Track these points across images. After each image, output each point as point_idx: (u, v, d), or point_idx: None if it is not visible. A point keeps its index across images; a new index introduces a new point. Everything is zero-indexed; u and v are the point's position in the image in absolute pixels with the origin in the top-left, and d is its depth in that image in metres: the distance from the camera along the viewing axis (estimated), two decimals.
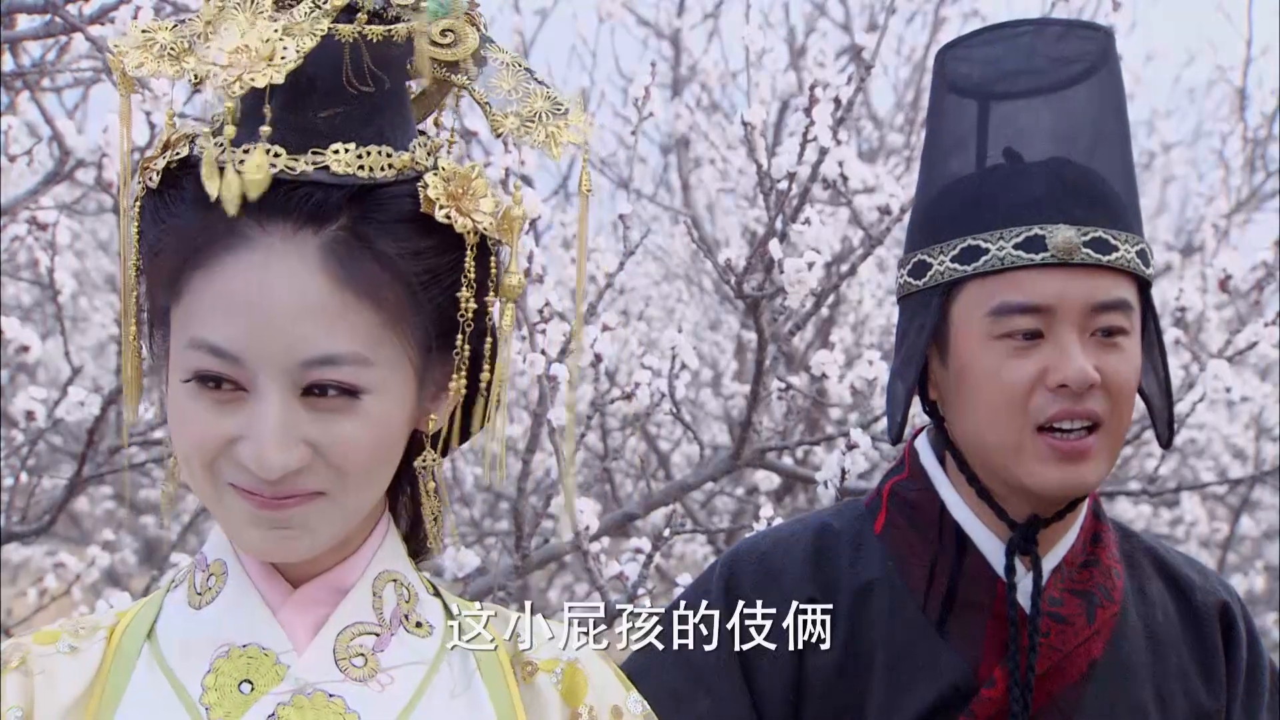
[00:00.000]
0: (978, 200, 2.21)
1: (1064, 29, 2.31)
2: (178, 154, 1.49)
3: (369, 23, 1.46)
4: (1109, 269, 2.15)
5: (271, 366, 1.45)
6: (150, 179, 1.50)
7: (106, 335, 6.76)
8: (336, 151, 1.46)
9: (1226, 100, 8.93)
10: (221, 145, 1.42)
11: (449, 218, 1.49)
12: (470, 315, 1.53)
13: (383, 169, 1.48)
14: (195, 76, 1.45)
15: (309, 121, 1.45)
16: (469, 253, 1.51)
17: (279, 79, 1.40)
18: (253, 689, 1.53)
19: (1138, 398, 2.23)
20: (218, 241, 1.44)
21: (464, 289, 1.51)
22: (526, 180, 3.78)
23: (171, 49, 1.46)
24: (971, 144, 2.25)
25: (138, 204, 1.51)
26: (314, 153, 1.45)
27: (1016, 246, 2.16)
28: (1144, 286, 2.21)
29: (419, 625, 1.61)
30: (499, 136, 1.53)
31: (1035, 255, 2.15)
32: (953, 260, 2.19)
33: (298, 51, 1.41)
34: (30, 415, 3.69)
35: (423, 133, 1.56)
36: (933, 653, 2.19)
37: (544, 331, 3.32)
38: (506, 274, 1.54)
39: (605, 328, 3.57)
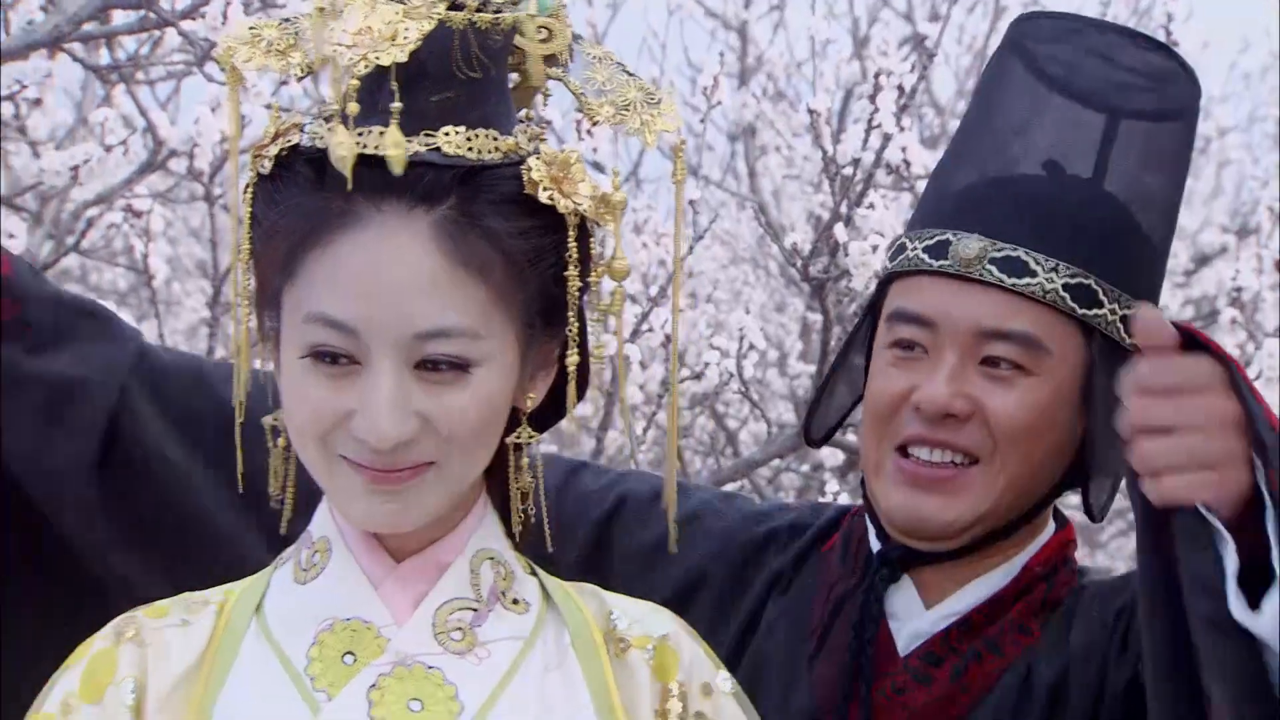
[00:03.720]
0: (959, 196, 1.96)
1: (1138, 43, 1.99)
2: (289, 141, 1.51)
3: (477, 11, 1.48)
4: (1018, 295, 1.84)
5: (386, 340, 1.46)
6: (262, 166, 1.51)
7: (198, 319, 6.80)
8: (447, 134, 1.48)
9: None
10: (348, 126, 1.42)
11: (551, 199, 1.50)
12: (576, 294, 1.54)
13: (490, 151, 1.50)
14: (301, 70, 1.50)
15: (421, 105, 1.47)
16: (570, 234, 1.52)
17: (402, 58, 1.42)
18: (355, 660, 1.54)
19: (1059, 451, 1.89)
20: (332, 221, 1.46)
21: (570, 268, 1.52)
22: (599, 167, 3.78)
23: (278, 45, 1.50)
24: (1090, 155, 1.92)
25: (249, 190, 1.53)
26: (426, 134, 1.47)
27: (925, 249, 1.90)
28: (1091, 333, 1.87)
29: (515, 602, 1.61)
30: (595, 124, 1.55)
31: (934, 261, 1.88)
32: (889, 255, 1.98)
33: (419, 33, 1.43)
34: None
35: (521, 120, 1.57)
36: (794, 688, 1.93)
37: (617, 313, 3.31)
38: (614, 258, 1.56)
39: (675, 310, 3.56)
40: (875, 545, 1.94)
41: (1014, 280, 1.84)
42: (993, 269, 1.85)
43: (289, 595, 1.59)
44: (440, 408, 1.48)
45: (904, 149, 3.68)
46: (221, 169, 3.61)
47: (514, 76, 1.57)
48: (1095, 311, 1.87)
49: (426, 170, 1.46)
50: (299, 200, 1.49)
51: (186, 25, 2.91)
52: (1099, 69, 1.95)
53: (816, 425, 2.07)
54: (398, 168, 1.43)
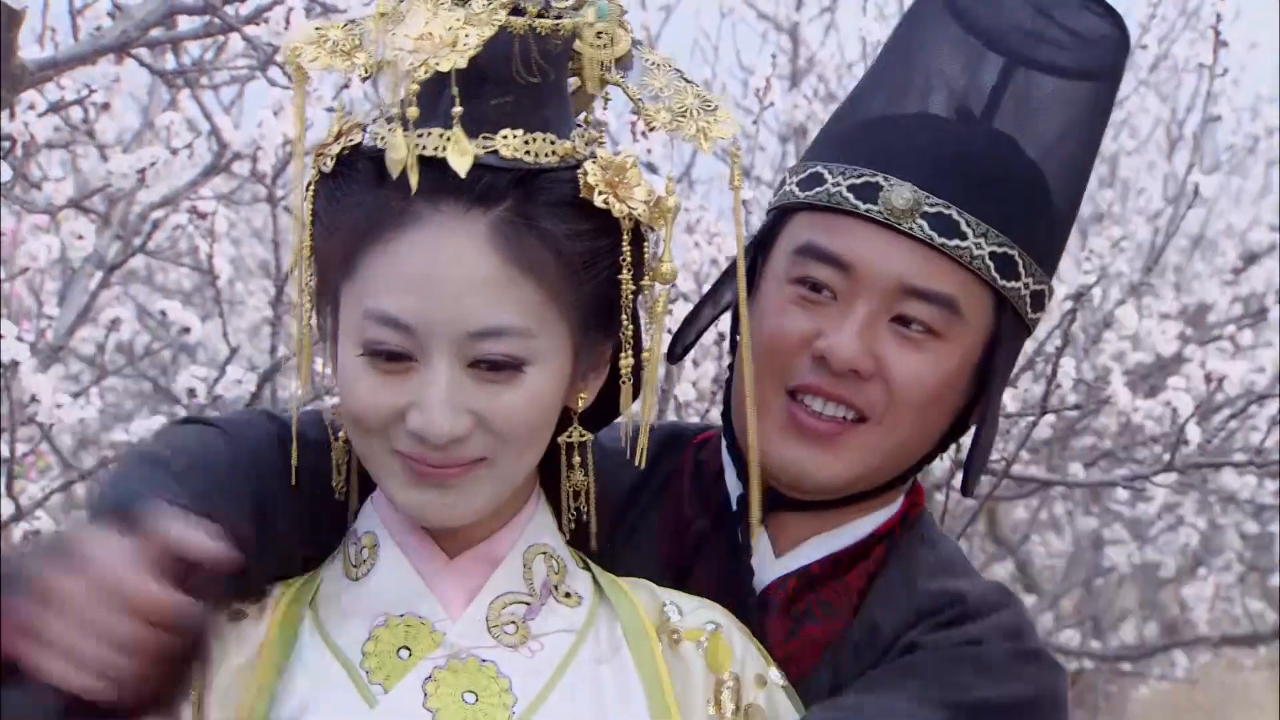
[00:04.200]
0: (874, 129, 1.84)
1: (1087, 4, 1.86)
2: (352, 140, 1.53)
3: (538, 17, 1.49)
4: (943, 255, 1.73)
5: (441, 337, 1.47)
6: (325, 164, 1.53)
7: (261, 318, 6.84)
8: (505, 137, 1.49)
9: None
10: (406, 130, 1.44)
11: (607, 203, 1.51)
12: (629, 297, 1.55)
13: (546, 155, 1.51)
14: (365, 70, 1.51)
15: (480, 108, 1.48)
16: (624, 237, 1.53)
17: (462, 64, 1.43)
18: (410, 654, 1.56)
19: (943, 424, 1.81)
20: (392, 220, 1.48)
21: (624, 271, 1.53)
22: (652, 168, 3.79)
23: (343, 46, 1.51)
24: (979, 99, 1.82)
25: (311, 188, 1.54)
26: (484, 138, 1.48)
27: (851, 189, 1.75)
28: (1003, 305, 1.77)
29: (568, 595, 1.63)
30: (652, 130, 1.55)
31: (861, 204, 1.74)
32: (798, 182, 1.81)
33: (479, 38, 1.44)
34: (192, 393, 3.76)
35: (579, 124, 1.58)
36: None
37: (670, 312, 3.33)
38: (662, 261, 1.57)
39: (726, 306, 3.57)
40: (733, 485, 1.85)
41: (943, 240, 1.73)
42: (924, 224, 1.73)
43: (341, 590, 1.61)
44: (493, 406, 1.50)
45: None
46: (284, 171, 3.64)
47: (573, 81, 1.58)
48: (1012, 284, 1.77)
49: (484, 172, 1.47)
50: (360, 198, 1.50)
51: (250, 30, 2.93)
52: (1016, 13, 1.84)
53: (678, 346, 1.95)
54: (463, 172, 1.44)
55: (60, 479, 4.17)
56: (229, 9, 2.83)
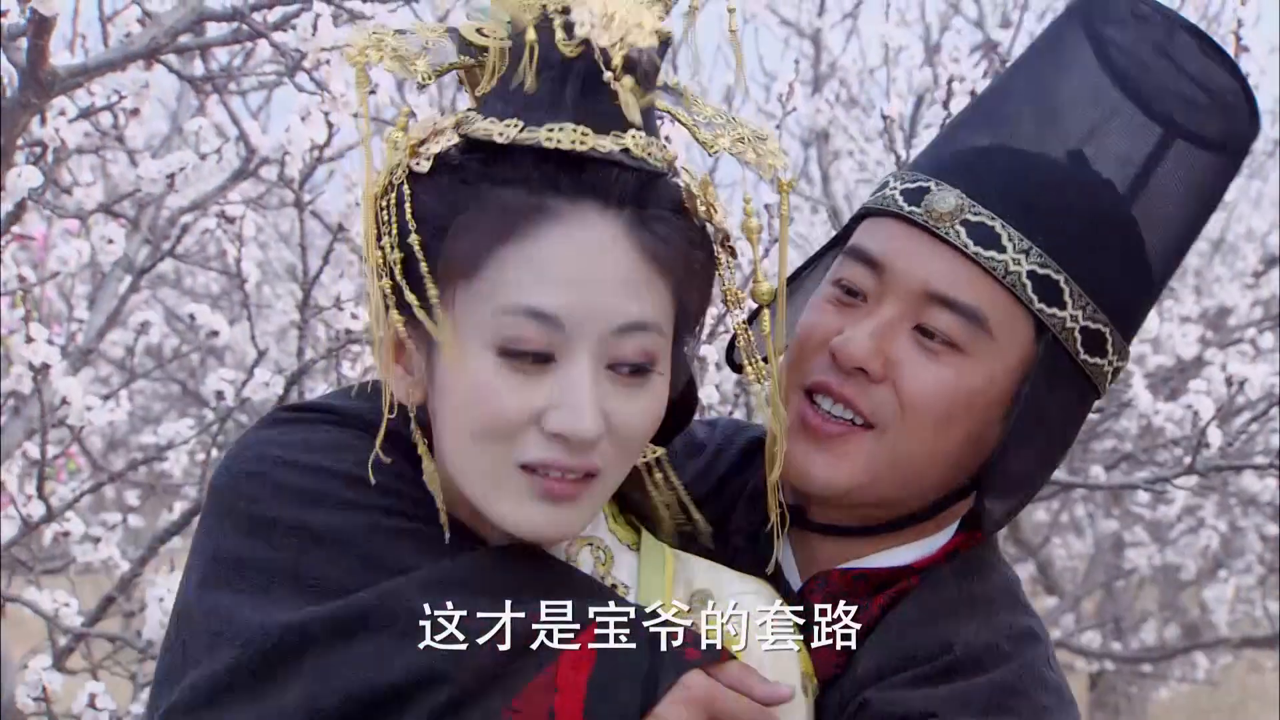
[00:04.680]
0: (956, 149, 1.78)
1: (1204, 49, 1.76)
2: (449, 140, 1.48)
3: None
4: (977, 266, 1.65)
5: (588, 332, 1.45)
6: (418, 164, 1.49)
7: (288, 321, 6.85)
8: (633, 137, 1.47)
9: None
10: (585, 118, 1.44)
11: (708, 213, 1.51)
12: (731, 309, 1.55)
13: (659, 160, 1.49)
14: (424, 77, 1.49)
15: (605, 106, 1.45)
16: (719, 248, 1.53)
17: (653, 42, 1.42)
18: None
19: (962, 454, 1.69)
20: (529, 216, 1.45)
21: (718, 284, 1.53)
22: None
23: (401, 51, 1.50)
24: (1130, 164, 1.72)
25: (395, 191, 1.49)
26: (614, 135, 1.46)
27: (903, 192, 1.71)
28: (1043, 332, 1.67)
29: (613, 586, 1.60)
30: (713, 154, 1.54)
31: (907, 206, 1.69)
32: (873, 189, 1.79)
33: (654, 22, 1.42)
34: (220, 395, 3.76)
35: None
36: None
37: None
38: (755, 281, 1.57)
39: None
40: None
41: (977, 249, 1.65)
42: (961, 230, 1.65)
43: None
44: (622, 409, 1.47)
45: None
46: (311, 176, 3.64)
47: None
48: (1054, 311, 1.67)
49: (616, 169, 1.45)
50: (486, 195, 1.46)
51: (278, 37, 2.94)
52: (1168, 75, 1.74)
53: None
54: (636, 119, 1.43)
55: (90, 480, 4.19)
56: (257, 16, 2.84)
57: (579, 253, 1.44)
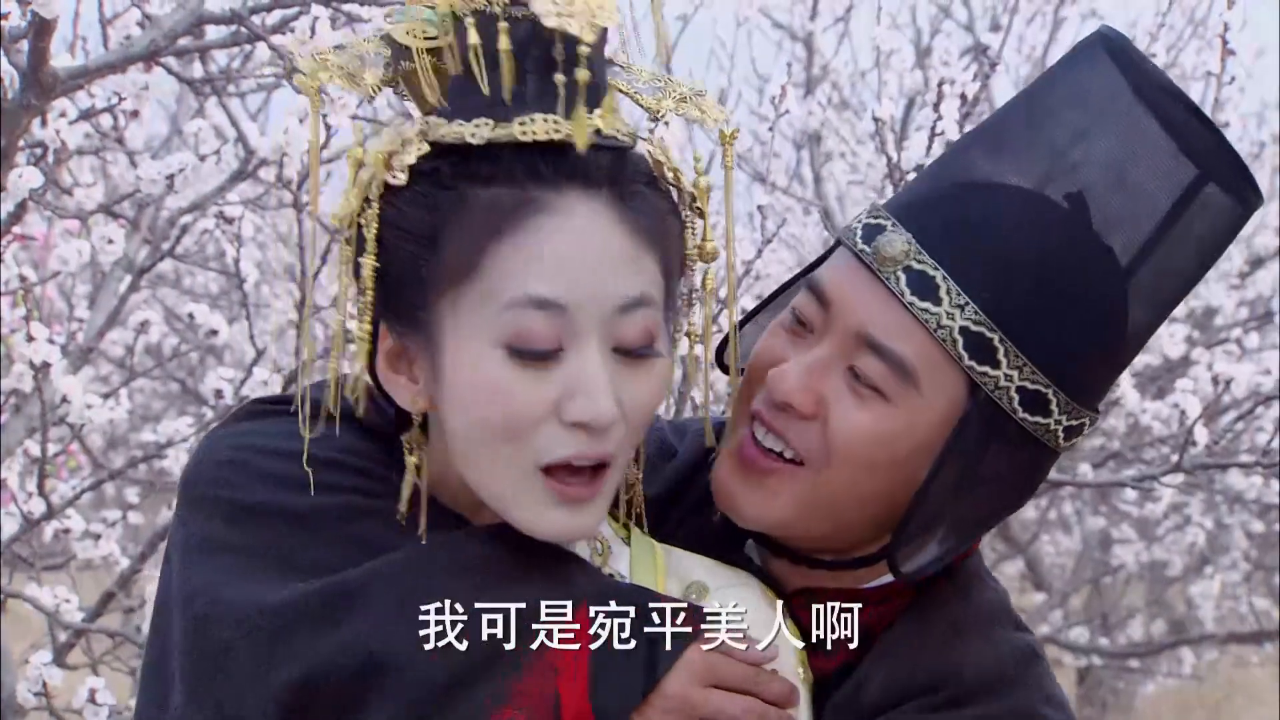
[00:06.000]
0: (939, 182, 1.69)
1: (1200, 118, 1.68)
2: (419, 149, 1.46)
3: None
4: (912, 316, 1.58)
5: (593, 315, 1.44)
6: (394, 177, 1.47)
7: (286, 320, 6.85)
8: (601, 115, 1.47)
9: None
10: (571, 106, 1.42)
11: (676, 180, 1.50)
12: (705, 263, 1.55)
13: (624, 134, 1.49)
14: (372, 90, 1.49)
15: (573, 86, 1.43)
16: (686, 210, 1.52)
17: (615, 22, 1.43)
18: None
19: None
20: (518, 210, 1.44)
21: (689, 250, 1.53)
22: None
23: (347, 69, 1.49)
24: (1158, 204, 1.63)
25: (376, 205, 1.48)
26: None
27: (863, 228, 1.64)
28: (977, 392, 1.59)
29: (610, 576, 1.59)
30: (661, 119, 1.53)
31: (859, 243, 1.63)
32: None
33: (612, 4, 1.42)
34: (219, 394, 3.76)
35: None
36: None
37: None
38: (703, 240, 1.56)
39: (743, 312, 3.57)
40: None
41: (913, 299, 1.58)
42: (901, 277, 1.59)
43: None
44: (632, 391, 1.47)
45: None
46: (309, 177, 3.63)
47: None
48: (986, 369, 1.59)
49: (596, 151, 1.45)
50: (471, 196, 1.45)
51: (276, 39, 2.93)
52: (1194, 120, 1.66)
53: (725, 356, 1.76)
54: (581, 146, 1.42)
55: (90, 478, 4.18)
56: (256, 19, 2.83)
57: (572, 238, 1.44)
